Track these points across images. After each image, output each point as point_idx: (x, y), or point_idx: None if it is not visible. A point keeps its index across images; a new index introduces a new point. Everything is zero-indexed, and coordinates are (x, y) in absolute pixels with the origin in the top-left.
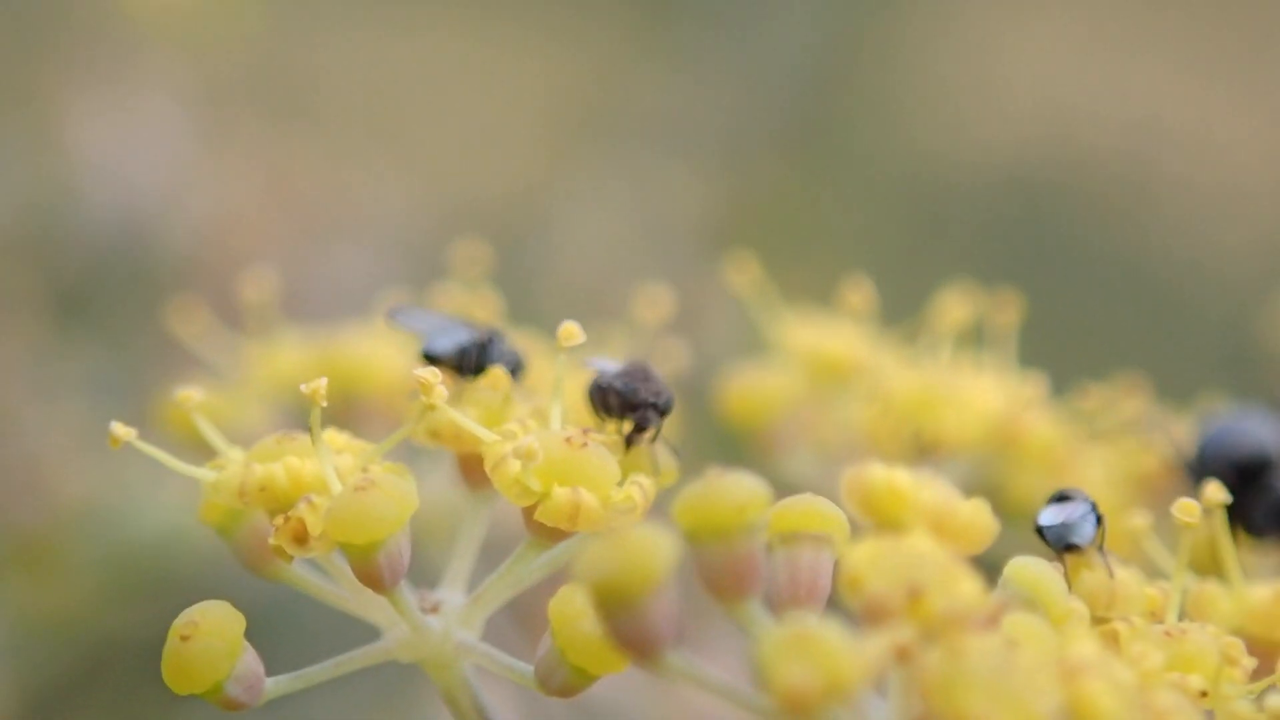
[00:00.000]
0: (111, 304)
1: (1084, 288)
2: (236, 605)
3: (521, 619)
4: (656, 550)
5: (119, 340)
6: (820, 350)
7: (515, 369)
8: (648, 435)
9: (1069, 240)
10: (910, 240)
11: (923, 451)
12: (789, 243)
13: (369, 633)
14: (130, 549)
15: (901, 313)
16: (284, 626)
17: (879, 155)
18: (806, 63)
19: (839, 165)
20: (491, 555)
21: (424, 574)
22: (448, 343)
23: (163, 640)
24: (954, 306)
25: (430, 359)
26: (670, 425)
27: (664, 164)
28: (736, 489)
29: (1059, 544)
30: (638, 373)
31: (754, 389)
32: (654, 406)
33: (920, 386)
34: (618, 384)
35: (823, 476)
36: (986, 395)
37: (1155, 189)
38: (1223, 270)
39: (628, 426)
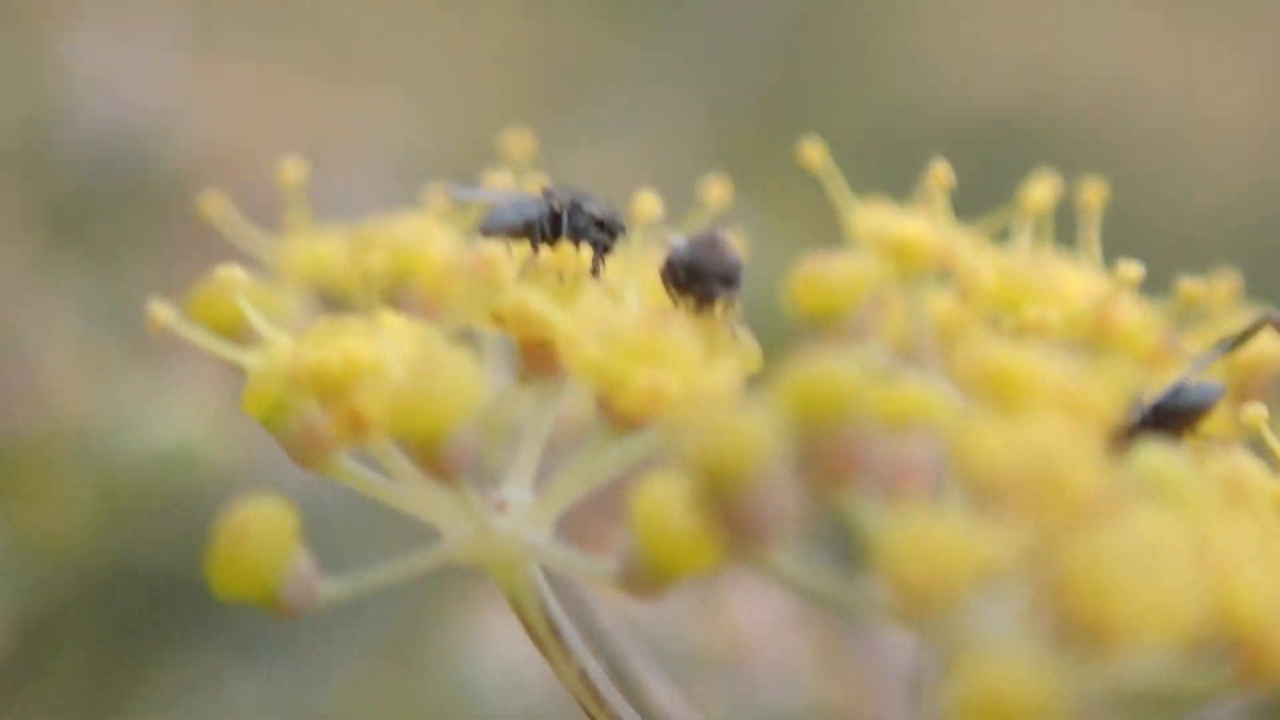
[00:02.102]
0: (106, 223)
1: (1058, 240)
2: None
3: (571, 529)
4: (766, 430)
5: (114, 257)
6: (898, 236)
7: (613, 233)
8: (717, 308)
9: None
10: (885, 191)
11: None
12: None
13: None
14: (130, 471)
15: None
16: (314, 544)
17: (854, 107)
18: (781, 20)
19: (816, 117)
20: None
21: (479, 475)
22: (512, 215)
23: (164, 566)
24: (1036, 193)
25: (490, 234)
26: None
27: (644, 117)
28: (843, 370)
29: (1185, 408)
30: (704, 241)
31: (829, 275)
32: (720, 277)
33: (1007, 274)
34: (684, 254)
35: (898, 369)
36: (1075, 283)
37: (1133, 141)
38: (1202, 226)
39: (695, 300)
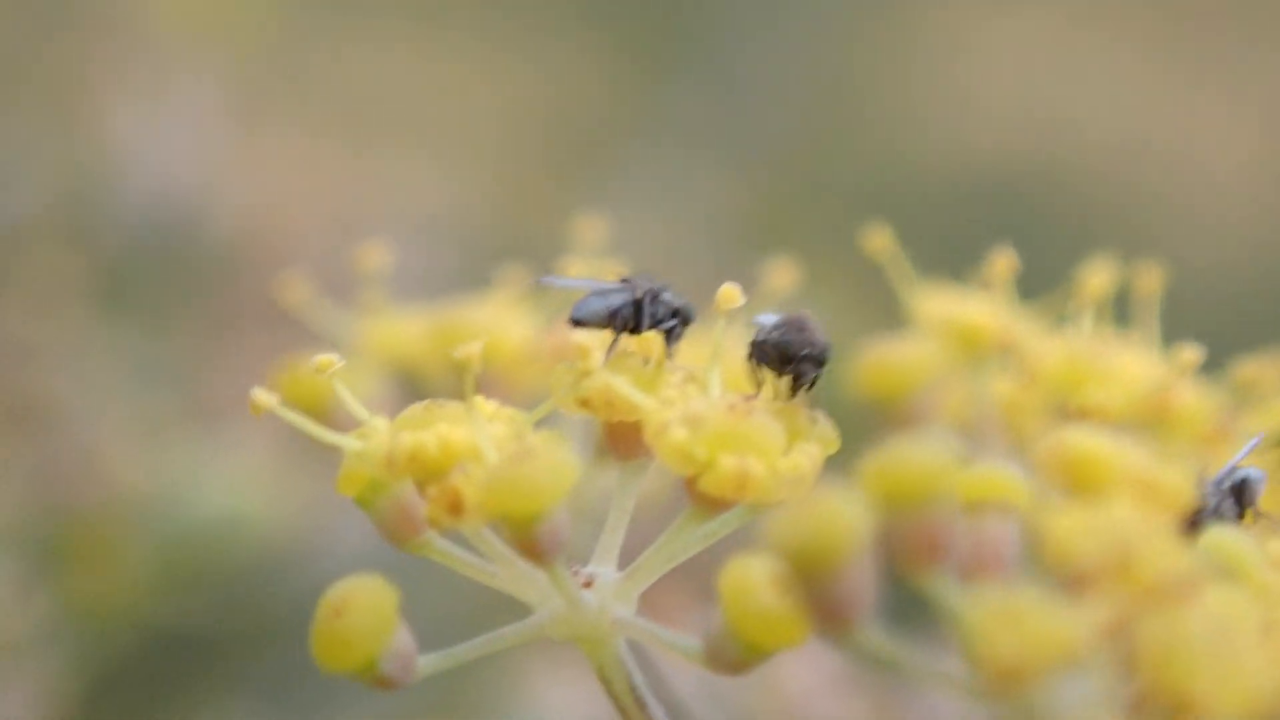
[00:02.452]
0: (153, 293)
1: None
2: (298, 595)
3: (649, 606)
4: (855, 515)
5: (162, 328)
6: (960, 320)
7: (686, 322)
8: (805, 390)
9: (1046, 252)
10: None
11: (1070, 425)
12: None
13: (471, 621)
14: (184, 537)
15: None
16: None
17: (865, 166)
18: (799, 80)
19: (830, 179)
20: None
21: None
22: (599, 304)
23: (214, 630)
24: (1095, 276)
25: (580, 323)
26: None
27: (673, 180)
28: (930, 454)
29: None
30: (794, 323)
31: (895, 360)
32: (810, 358)
33: (1067, 357)
34: (774, 335)
35: (963, 452)
36: (1135, 366)
37: (1134, 200)
38: (1198, 288)
39: (786, 382)
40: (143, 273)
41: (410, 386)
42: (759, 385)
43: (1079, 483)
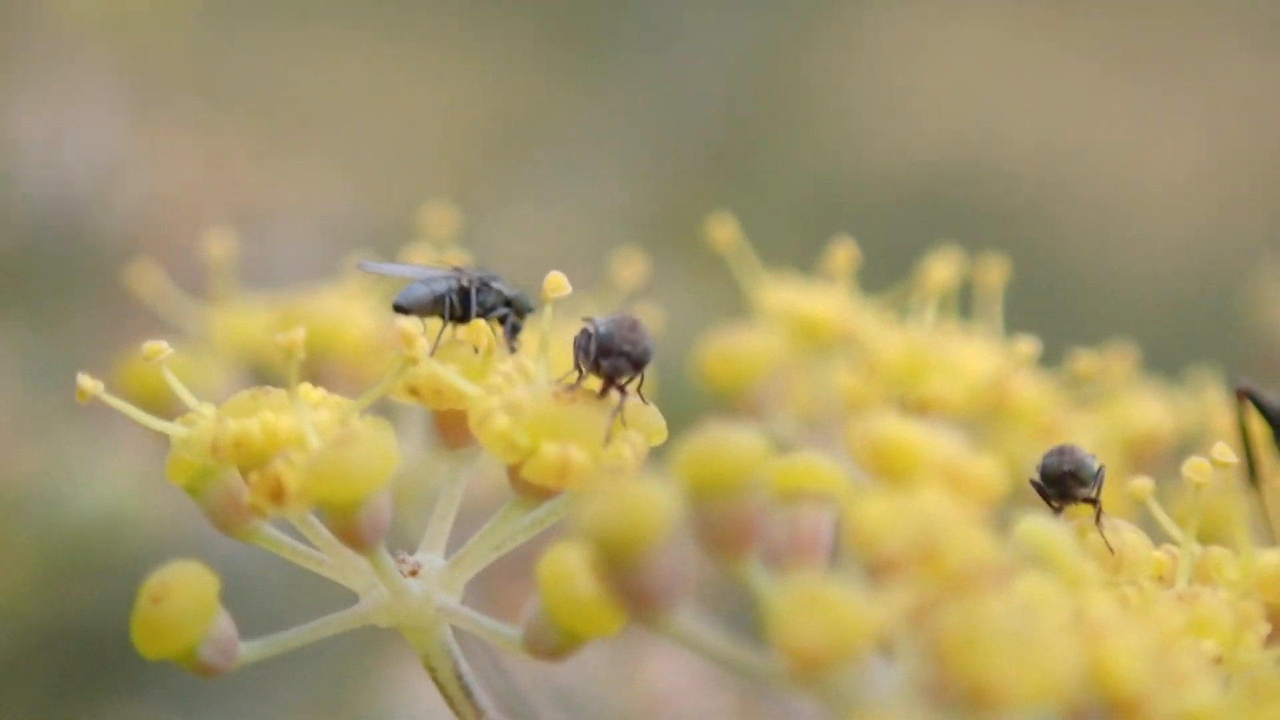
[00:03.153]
0: (46, 287)
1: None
2: None
3: (487, 591)
4: (662, 502)
5: (53, 323)
6: (804, 312)
7: (520, 312)
8: (624, 385)
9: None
10: (822, 253)
11: (909, 416)
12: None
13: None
14: (67, 531)
15: None
16: (239, 605)
17: (793, 172)
18: (722, 82)
19: (753, 183)
20: (460, 522)
21: (396, 540)
22: (423, 291)
23: (99, 626)
24: (937, 269)
25: (403, 309)
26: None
27: (584, 182)
28: (741, 443)
29: (1061, 485)
30: (624, 322)
31: (736, 350)
32: (627, 355)
33: (908, 349)
34: (600, 329)
35: (803, 441)
36: (975, 359)
37: (1070, 206)
38: (1137, 293)
39: (603, 375)
40: (36, 267)
41: (261, 377)
42: (579, 376)
43: (889, 470)
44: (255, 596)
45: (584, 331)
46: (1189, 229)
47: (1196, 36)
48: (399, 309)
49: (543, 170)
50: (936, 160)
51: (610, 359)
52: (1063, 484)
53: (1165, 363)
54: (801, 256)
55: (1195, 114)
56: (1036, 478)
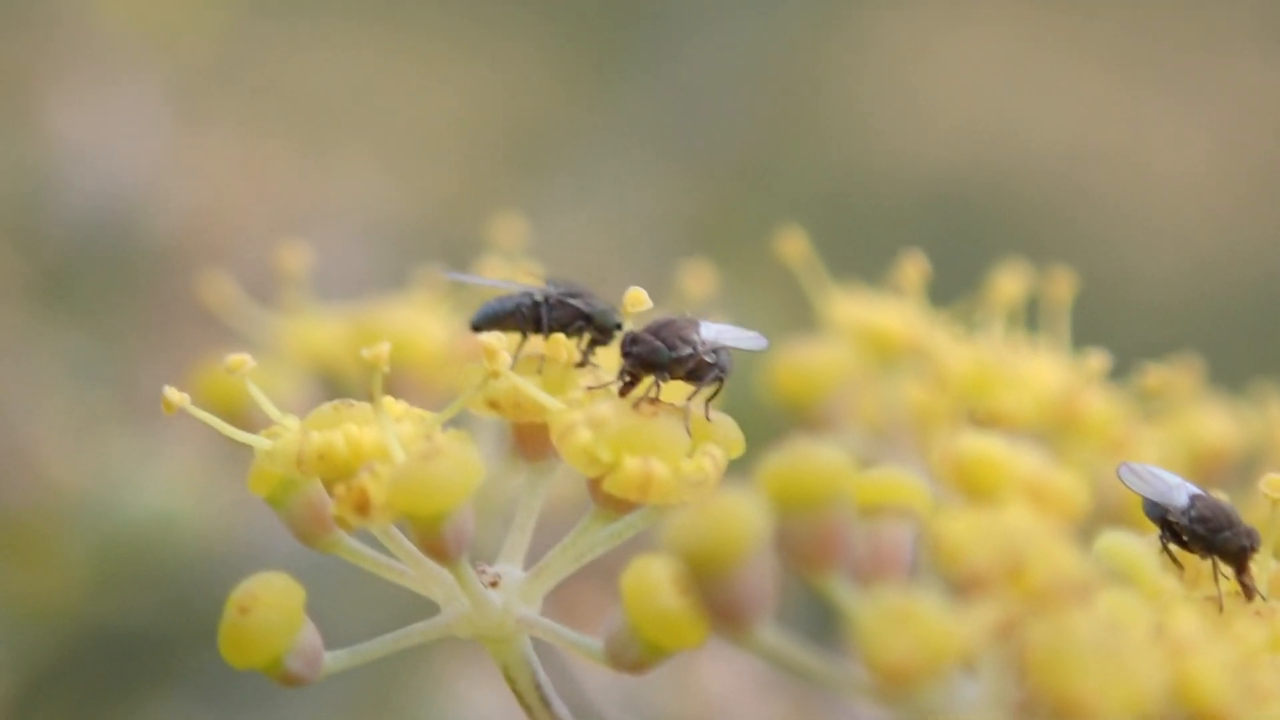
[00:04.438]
0: (93, 292)
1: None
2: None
3: (562, 604)
4: (750, 517)
5: (101, 327)
6: (873, 326)
7: (600, 328)
8: (695, 393)
9: (997, 261)
10: (838, 257)
11: (978, 430)
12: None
13: (387, 622)
14: (119, 536)
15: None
16: None
17: (814, 175)
18: (737, 85)
19: (770, 187)
20: (536, 534)
21: (471, 552)
22: (495, 308)
23: (154, 628)
24: (1007, 283)
25: (478, 328)
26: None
27: (618, 185)
28: (827, 457)
29: (1156, 515)
30: (664, 324)
31: (806, 364)
32: (659, 364)
33: (976, 363)
34: (631, 344)
35: (872, 454)
36: (1044, 373)
37: (1085, 208)
38: (1150, 295)
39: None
40: (83, 272)
41: (331, 387)
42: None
43: (974, 487)
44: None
45: (628, 335)
46: (1201, 230)
47: (1209, 40)
48: (474, 327)
49: (563, 176)
50: (952, 162)
51: (654, 369)
52: (1242, 557)
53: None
54: (819, 259)
55: (1207, 115)
56: (1205, 540)
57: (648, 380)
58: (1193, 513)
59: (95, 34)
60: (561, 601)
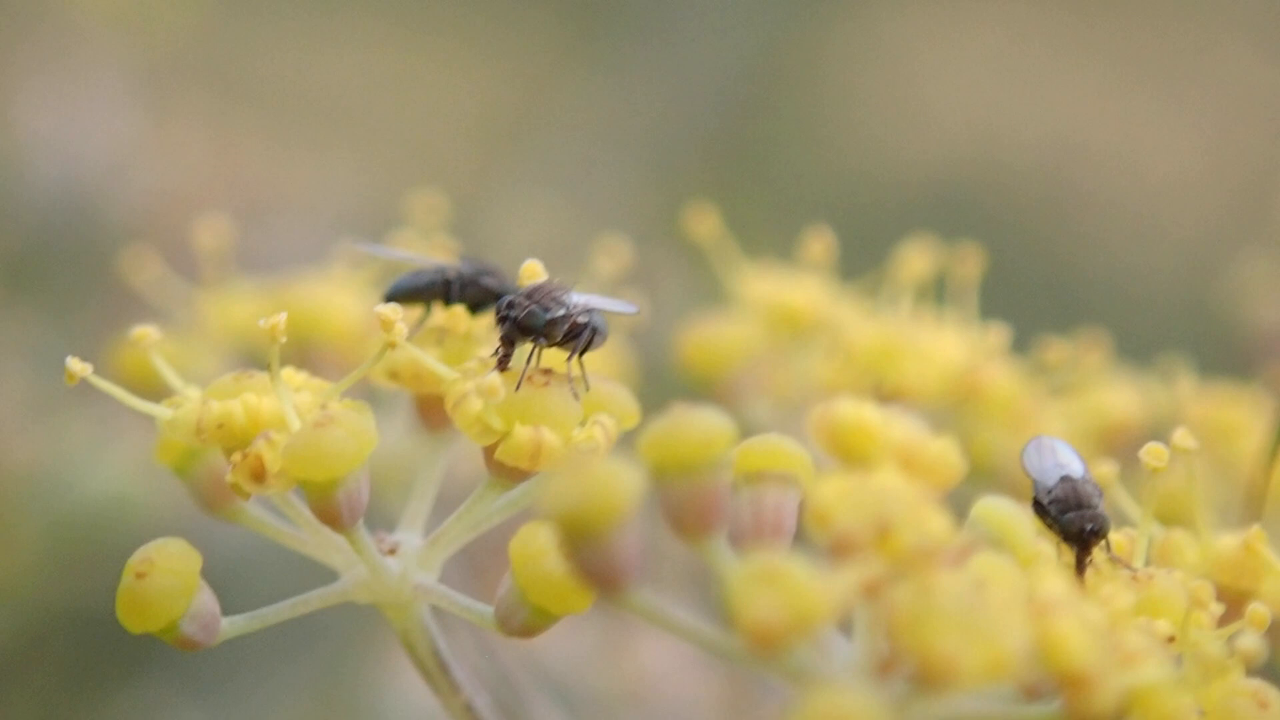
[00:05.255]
0: (55, 276)
1: (1003, 307)
2: None
3: (474, 570)
4: (622, 482)
5: (62, 311)
6: (780, 302)
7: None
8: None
9: (989, 258)
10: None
11: (883, 403)
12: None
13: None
14: (73, 517)
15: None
16: (235, 589)
17: (802, 172)
18: (732, 78)
19: (762, 181)
20: (442, 506)
21: (379, 522)
22: (407, 282)
23: (105, 611)
24: (914, 259)
25: (395, 297)
26: (627, 373)
27: (591, 173)
28: (703, 424)
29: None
30: (536, 288)
31: (713, 339)
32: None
33: (881, 337)
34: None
35: (780, 427)
36: (948, 347)
37: (1077, 208)
38: (1142, 291)
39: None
40: (45, 258)
41: (252, 362)
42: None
43: (847, 452)
44: (256, 582)
45: (503, 301)
46: (1192, 225)
47: (1201, 40)
48: (389, 298)
49: (551, 160)
50: (946, 159)
51: (525, 332)
52: (1083, 540)
53: (1161, 352)
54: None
55: (1199, 114)
56: (1054, 520)
57: (526, 347)
58: (1055, 493)
59: (64, 23)
60: (477, 575)
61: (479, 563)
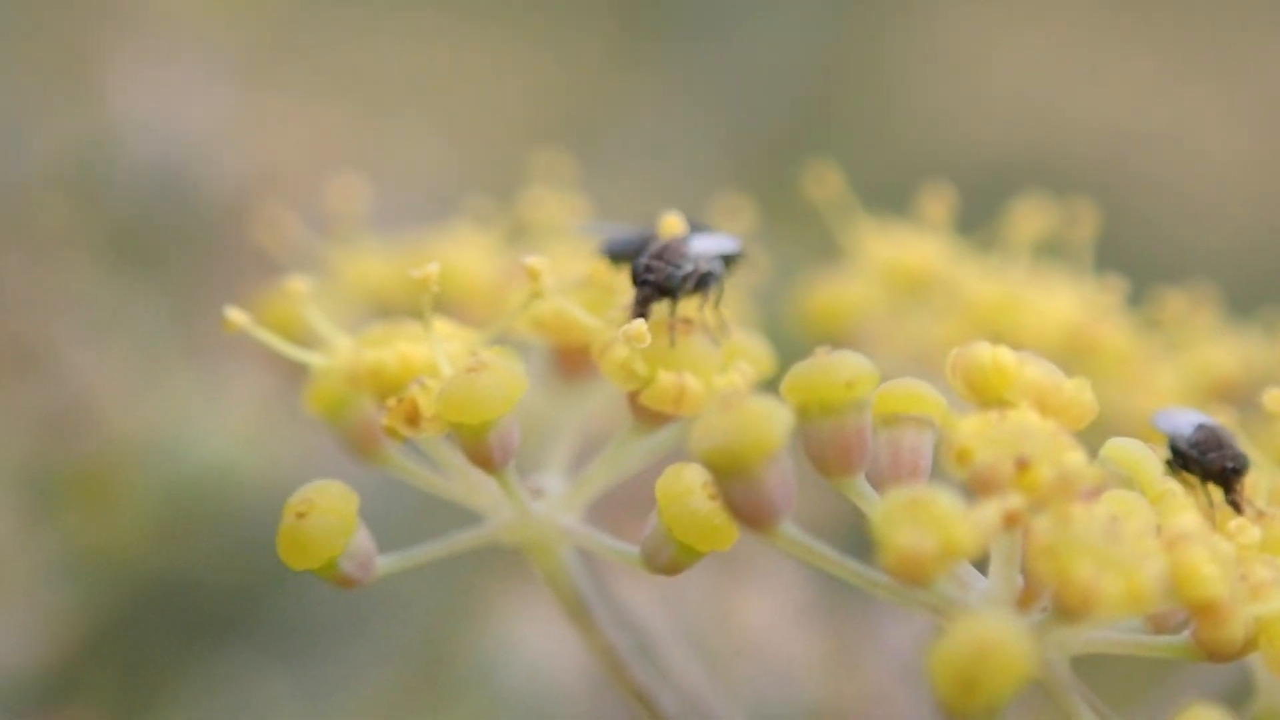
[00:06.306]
0: (156, 249)
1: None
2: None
3: (607, 521)
4: (774, 419)
5: (163, 280)
6: (899, 261)
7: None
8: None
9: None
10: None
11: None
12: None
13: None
14: (184, 483)
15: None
16: None
17: (860, 159)
18: (792, 74)
19: (827, 160)
20: (579, 460)
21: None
22: (631, 241)
23: (198, 579)
24: (1029, 218)
25: (613, 254)
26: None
27: (653, 168)
28: (847, 366)
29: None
30: (662, 249)
31: (837, 295)
32: (656, 276)
33: (998, 294)
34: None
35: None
36: (1063, 303)
37: (1131, 186)
38: (1195, 270)
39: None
40: (146, 230)
41: (382, 315)
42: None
43: (983, 393)
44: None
45: (640, 264)
46: (1249, 209)
47: (1251, 28)
48: (608, 255)
49: (615, 156)
50: (1006, 145)
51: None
52: (1226, 478)
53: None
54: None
55: (1255, 101)
56: (1196, 461)
57: (662, 304)
58: (1194, 437)
59: (158, 7)
60: (608, 528)
61: (610, 519)
